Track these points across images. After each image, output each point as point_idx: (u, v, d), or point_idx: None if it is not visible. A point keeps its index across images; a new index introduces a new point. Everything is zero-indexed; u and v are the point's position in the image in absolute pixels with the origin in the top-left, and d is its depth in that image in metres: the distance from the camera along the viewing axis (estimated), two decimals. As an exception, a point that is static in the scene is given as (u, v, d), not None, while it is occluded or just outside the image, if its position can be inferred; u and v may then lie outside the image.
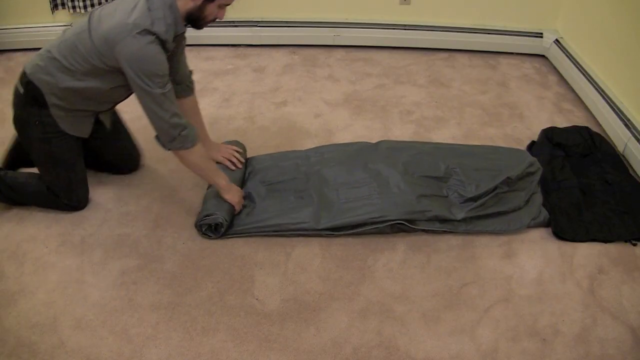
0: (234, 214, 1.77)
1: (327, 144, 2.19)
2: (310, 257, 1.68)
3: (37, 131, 1.67)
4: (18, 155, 1.89)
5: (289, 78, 2.75)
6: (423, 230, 1.76)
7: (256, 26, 3.02)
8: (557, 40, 2.87)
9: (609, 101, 2.31)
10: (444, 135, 2.30)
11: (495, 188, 1.84)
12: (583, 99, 2.53)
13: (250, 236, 1.75)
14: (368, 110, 2.48)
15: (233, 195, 1.75)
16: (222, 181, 1.73)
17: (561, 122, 2.39)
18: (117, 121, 1.93)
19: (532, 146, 2.19)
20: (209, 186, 1.85)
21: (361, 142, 2.15)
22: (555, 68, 2.86)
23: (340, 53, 3.02)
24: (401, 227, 1.74)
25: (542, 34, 2.94)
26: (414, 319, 1.49)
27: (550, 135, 2.19)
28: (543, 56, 2.99)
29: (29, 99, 1.62)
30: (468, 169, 1.96)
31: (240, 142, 2.08)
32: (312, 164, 2.02)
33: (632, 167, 2.08)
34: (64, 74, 1.57)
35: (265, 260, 1.67)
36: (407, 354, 1.39)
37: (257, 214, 1.78)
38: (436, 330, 1.46)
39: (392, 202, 1.77)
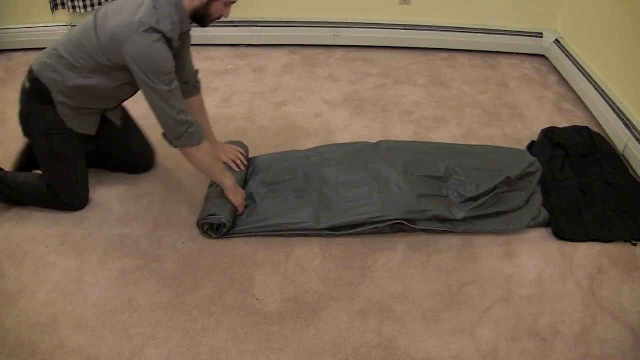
0: (236, 216, 1.77)
1: (327, 144, 2.19)
2: (310, 257, 1.68)
3: (40, 127, 1.68)
4: (29, 158, 1.89)
5: (289, 78, 2.75)
6: (423, 230, 1.76)
7: (256, 26, 3.02)
8: (557, 40, 2.87)
9: (609, 101, 2.31)
10: (444, 135, 2.30)
11: (495, 188, 1.84)
12: (583, 99, 2.53)
13: (251, 236, 1.75)
14: (368, 110, 2.48)
15: (237, 196, 1.75)
16: (229, 181, 1.72)
17: (561, 122, 2.39)
18: (127, 119, 1.93)
19: (532, 146, 2.19)
20: (211, 185, 1.85)
21: (361, 142, 2.15)
22: (555, 68, 2.86)
23: (340, 53, 3.02)
24: (401, 227, 1.74)
25: (542, 34, 2.94)
26: (414, 319, 1.49)
27: (550, 135, 2.19)
28: (543, 56, 2.99)
29: (35, 95, 1.64)
30: (468, 169, 1.96)
31: (243, 142, 2.09)
32: (312, 163, 2.02)
33: (632, 167, 2.08)
34: (70, 72, 1.58)
35: (265, 260, 1.67)
36: (407, 354, 1.39)
37: (257, 214, 1.78)
38: (436, 330, 1.46)
39: (392, 201, 1.77)
